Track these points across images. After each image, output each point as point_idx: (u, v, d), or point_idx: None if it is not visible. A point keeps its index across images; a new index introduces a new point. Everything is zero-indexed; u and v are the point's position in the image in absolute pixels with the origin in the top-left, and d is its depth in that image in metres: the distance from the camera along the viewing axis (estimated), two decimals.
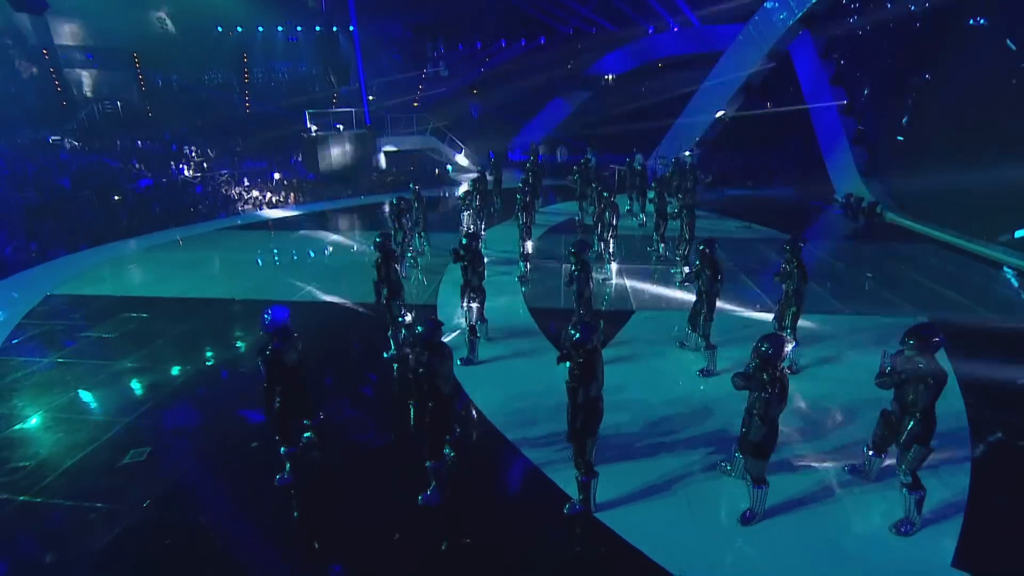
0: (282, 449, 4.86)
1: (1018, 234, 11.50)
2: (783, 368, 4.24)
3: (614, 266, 10.82)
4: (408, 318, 5.92)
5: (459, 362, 7.14)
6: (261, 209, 18.02)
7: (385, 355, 7.36)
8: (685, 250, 10.28)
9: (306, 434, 5.33)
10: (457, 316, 8.35)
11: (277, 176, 21.68)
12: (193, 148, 27.77)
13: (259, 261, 12.01)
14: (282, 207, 18.25)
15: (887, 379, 4.34)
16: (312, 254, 12.62)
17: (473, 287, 7.25)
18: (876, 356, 7.09)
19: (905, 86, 15.05)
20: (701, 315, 6.76)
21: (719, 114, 19.11)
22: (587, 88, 26.58)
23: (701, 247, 6.63)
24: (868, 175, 16.36)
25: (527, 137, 28.20)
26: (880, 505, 4.59)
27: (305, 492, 4.90)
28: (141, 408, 6.28)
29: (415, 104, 33.70)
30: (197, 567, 4.18)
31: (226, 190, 19.86)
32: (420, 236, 12.07)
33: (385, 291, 7.02)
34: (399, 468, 5.13)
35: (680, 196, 14.31)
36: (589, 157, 18.69)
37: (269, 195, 19.49)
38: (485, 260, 7.67)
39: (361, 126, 21.23)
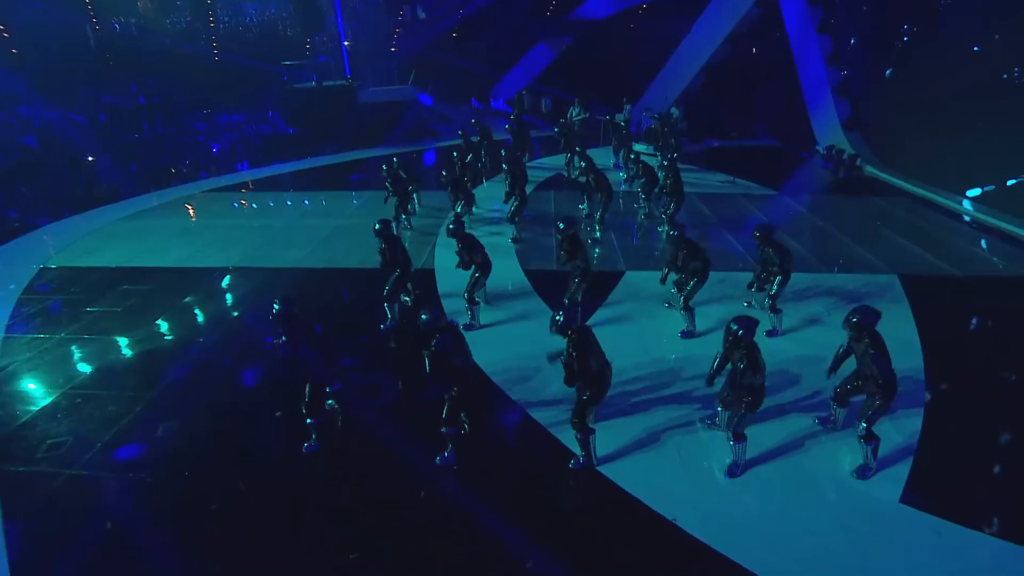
0: (308, 420, 5.27)
1: (973, 192, 12.05)
2: (754, 342, 4.72)
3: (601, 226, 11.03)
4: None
5: (462, 328, 7.56)
6: (243, 168, 17.67)
7: (382, 327, 7.65)
8: (672, 209, 10.49)
9: (328, 401, 5.71)
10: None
11: (257, 131, 21.13)
12: (162, 100, 26.64)
13: (250, 226, 11.99)
14: (264, 165, 17.88)
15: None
16: (301, 216, 12.63)
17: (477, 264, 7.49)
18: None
19: (891, 37, 15.08)
20: (686, 286, 7.16)
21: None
22: (571, 33, 25.84)
23: (673, 232, 6.99)
24: (850, 128, 16.60)
25: (509, 84, 27.55)
26: (845, 453, 5.20)
27: (332, 457, 5.34)
28: (162, 382, 6.59)
29: (392, 49, 32.41)
30: (244, 531, 4.64)
31: (206, 148, 19.36)
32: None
33: (397, 272, 7.37)
34: (413, 431, 5.60)
35: (672, 156, 14.44)
36: (575, 111, 18.49)
37: (250, 151, 19.08)
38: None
39: (340, 77, 20.55)
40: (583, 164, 11.31)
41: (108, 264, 10.12)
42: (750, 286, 7.65)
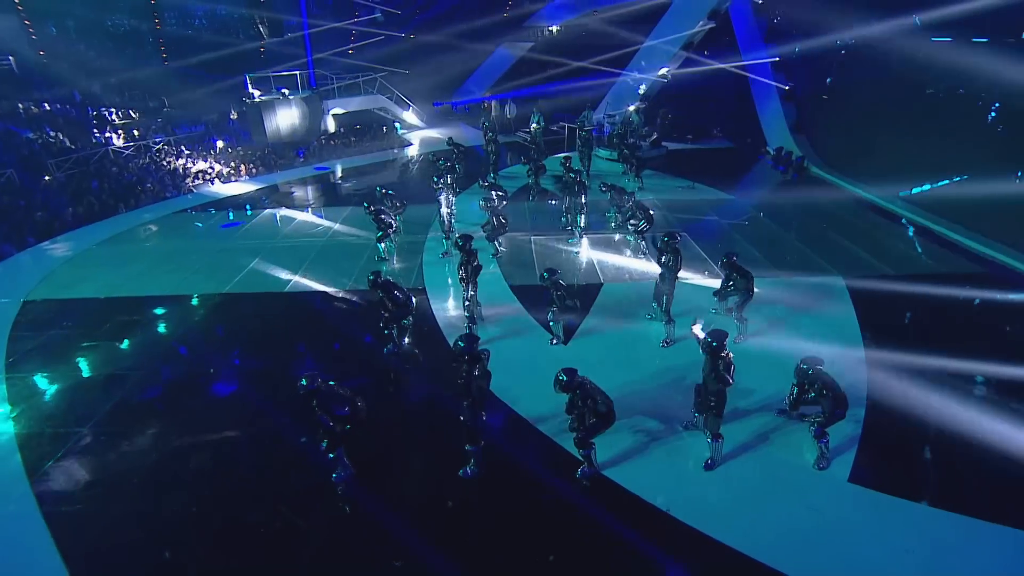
0: (331, 455, 5.78)
1: (915, 190, 13.43)
2: (727, 352, 5.59)
3: (584, 242, 11.70)
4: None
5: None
6: (212, 184, 17.51)
7: (385, 350, 8.09)
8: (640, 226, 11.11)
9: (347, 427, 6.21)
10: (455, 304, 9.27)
11: (220, 144, 20.85)
12: (113, 110, 25.76)
13: (237, 248, 12.09)
14: (234, 180, 17.80)
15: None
16: (286, 236, 12.80)
17: (472, 280, 8.11)
18: (804, 317, 8.65)
19: (831, 47, 16.40)
20: (664, 295, 8.00)
21: (662, 72, 19.93)
22: (530, 39, 26.45)
23: (665, 239, 7.81)
24: (796, 131, 17.94)
25: (471, 88, 27.95)
26: (803, 442, 6.13)
27: (363, 480, 5.88)
28: (181, 416, 6.92)
29: (350, 52, 32.21)
30: (294, 550, 5.17)
31: (169, 163, 19.03)
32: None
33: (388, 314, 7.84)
34: (430, 451, 6.22)
35: (634, 162, 15.30)
36: (536, 119, 19.12)
37: (216, 167, 18.89)
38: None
39: (305, 88, 20.56)
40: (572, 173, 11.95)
41: (97, 295, 10.15)
42: (717, 295, 8.51)
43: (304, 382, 5.53)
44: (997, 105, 11.58)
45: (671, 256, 7.80)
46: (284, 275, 10.67)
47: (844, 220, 13.09)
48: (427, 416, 6.94)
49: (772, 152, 18.39)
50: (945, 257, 11.12)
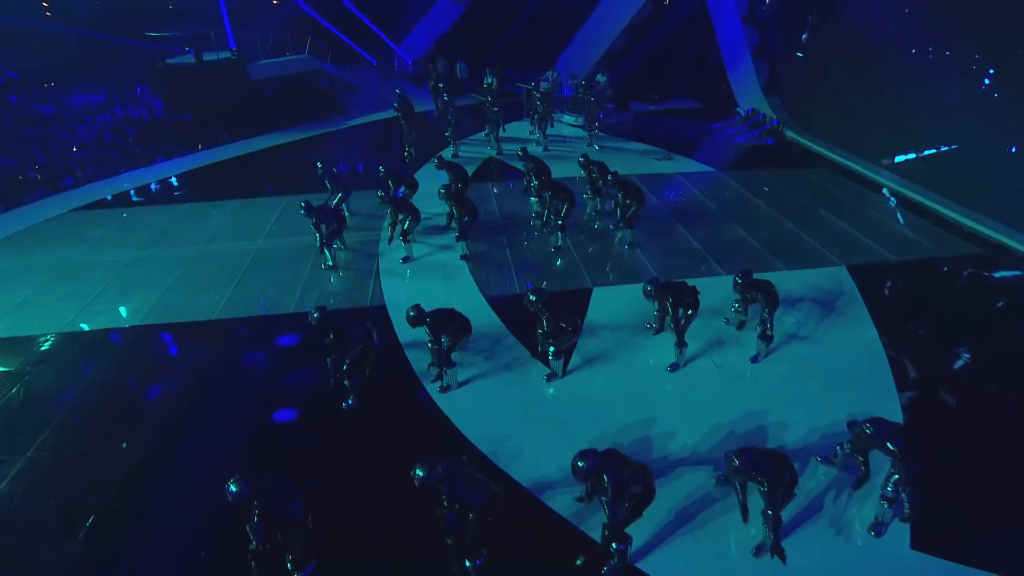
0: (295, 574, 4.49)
1: (898, 159, 12.77)
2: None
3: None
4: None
5: (438, 390, 6.81)
6: (120, 171, 14.75)
7: (344, 405, 6.55)
8: (621, 215, 9.76)
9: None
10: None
11: (127, 116, 17.84)
12: None
13: (150, 259, 9.96)
14: (146, 165, 15.08)
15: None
16: (211, 240, 10.67)
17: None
18: (818, 326, 7.74)
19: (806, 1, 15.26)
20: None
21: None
22: None
23: (648, 287, 6.90)
24: (769, 91, 16.92)
25: (412, 44, 25.30)
26: (854, 507, 5.29)
27: None
28: (83, 518, 5.37)
29: (274, 1, 28.57)
30: None
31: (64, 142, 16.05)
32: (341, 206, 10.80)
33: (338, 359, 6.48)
34: (418, 543, 4.99)
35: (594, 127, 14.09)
36: (489, 79, 17.31)
37: (125, 147, 16.07)
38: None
39: (224, 48, 17.64)
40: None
41: None
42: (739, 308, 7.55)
43: (233, 488, 4.19)
44: (992, 71, 10.81)
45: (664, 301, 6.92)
46: (211, 295, 8.79)
47: (830, 194, 12.31)
48: (403, 498, 5.48)
49: (744, 114, 17.39)
50: (944, 238, 10.45)
